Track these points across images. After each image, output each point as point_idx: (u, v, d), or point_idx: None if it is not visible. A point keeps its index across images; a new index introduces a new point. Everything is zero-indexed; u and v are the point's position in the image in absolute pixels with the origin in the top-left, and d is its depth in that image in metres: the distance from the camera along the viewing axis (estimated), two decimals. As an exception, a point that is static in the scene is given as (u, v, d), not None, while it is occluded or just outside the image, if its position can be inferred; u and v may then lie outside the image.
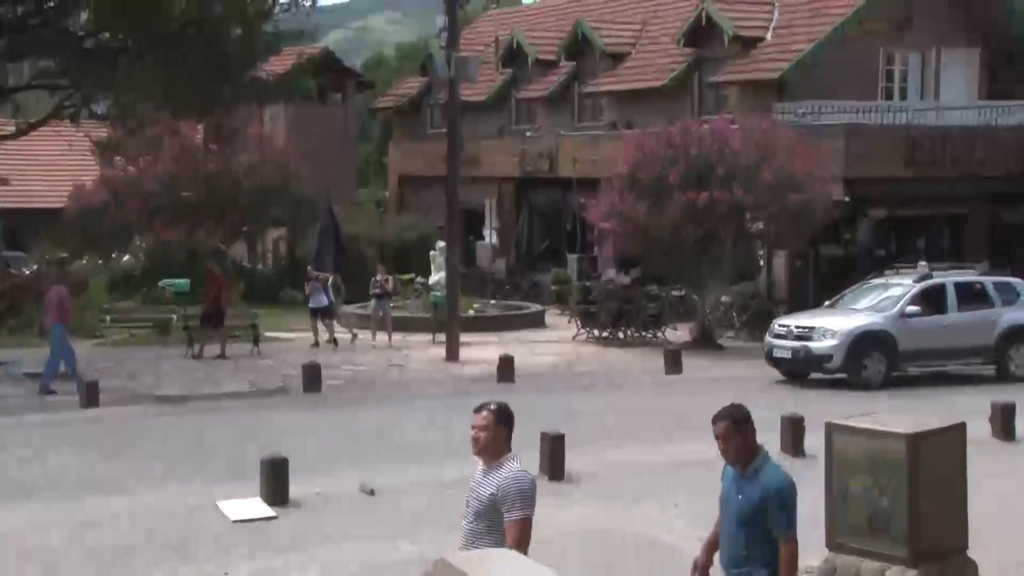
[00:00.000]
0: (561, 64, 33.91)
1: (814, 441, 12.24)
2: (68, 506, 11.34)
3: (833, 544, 7.21)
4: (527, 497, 5.71)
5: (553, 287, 30.13)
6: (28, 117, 24.54)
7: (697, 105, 29.68)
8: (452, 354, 21.58)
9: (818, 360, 18.91)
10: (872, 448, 7.00)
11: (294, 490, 11.41)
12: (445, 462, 12.35)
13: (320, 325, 23.56)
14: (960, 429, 7.30)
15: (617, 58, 32.32)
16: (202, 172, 29.52)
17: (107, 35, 20.96)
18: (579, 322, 25.20)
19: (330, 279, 24.20)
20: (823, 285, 24.01)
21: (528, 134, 33.67)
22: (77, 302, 21.17)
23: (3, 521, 10.80)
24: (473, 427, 5.84)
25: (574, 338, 24.76)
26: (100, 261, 30.91)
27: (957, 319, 19.34)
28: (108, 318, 24.67)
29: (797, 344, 19.03)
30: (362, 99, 44.06)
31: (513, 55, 35.36)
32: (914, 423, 7.17)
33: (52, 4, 21.20)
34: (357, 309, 26.33)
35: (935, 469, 6.99)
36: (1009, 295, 19.94)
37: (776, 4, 29.50)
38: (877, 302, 19.57)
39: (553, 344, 24.08)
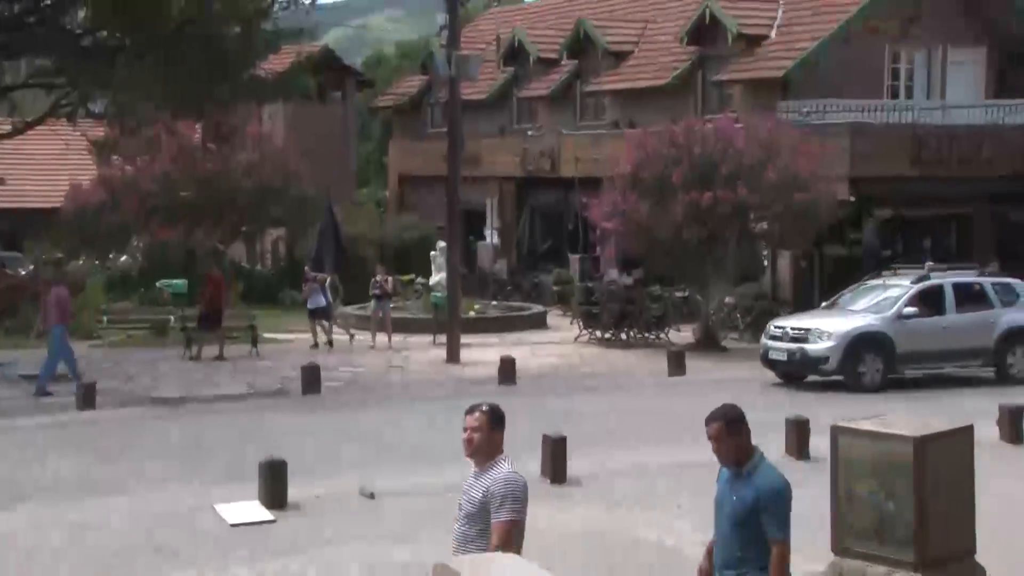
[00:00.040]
0: (563, 62, 33.90)
1: (817, 444, 12.24)
2: (65, 509, 11.33)
3: (838, 548, 7.19)
4: (517, 499, 5.70)
5: (555, 288, 30.11)
6: (24, 116, 24.53)
7: (700, 104, 29.66)
8: (453, 356, 21.57)
9: (814, 362, 18.81)
10: (878, 451, 6.97)
11: (293, 493, 11.40)
12: (445, 465, 12.32)
13: (320, 326, 23.57)
14: (967, 432, 7.28)
15: (619, 56, 32.31)
16: (200, 172, 29.51)
17: (104, 33, 20.95)
18: (581, 323, 25.18)
19: (328, 280, 24.19)
20: (828, 286, 23.98)
21: (529, 133, 33.66)
22: (74, 303, 21.14)
23: (0, 523, 10.81)
24: (466, 428, 5.84)
25: (576, 339, 24.75)
26: (97, 261, 30.89)
27: (956, 320, 19.22)
28: (105, 319, 24.65)
29: (793, 346, 18.95)
30: (362, 98, 44.05)
31: (514, 53, 35.35)
32: (921, 426, 7.15)
33: (49, 2, 21.20)
34: (357, 310, 26.32)
35: (942, 472, 6.97)
36: (1008, 296, 19.81)
37: (780, 2, 29.49)
38: (874, 303, 19.47)
39: (555, 345, 24.06)
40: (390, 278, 24.78)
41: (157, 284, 28.05)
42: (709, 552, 6.28)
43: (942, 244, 27.08)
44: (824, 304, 21.07)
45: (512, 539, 5.63)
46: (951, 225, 27.55)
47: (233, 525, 10.74)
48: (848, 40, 27.36)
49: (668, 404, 17.31)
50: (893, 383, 18.80)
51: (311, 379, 18.30)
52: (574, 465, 12.40)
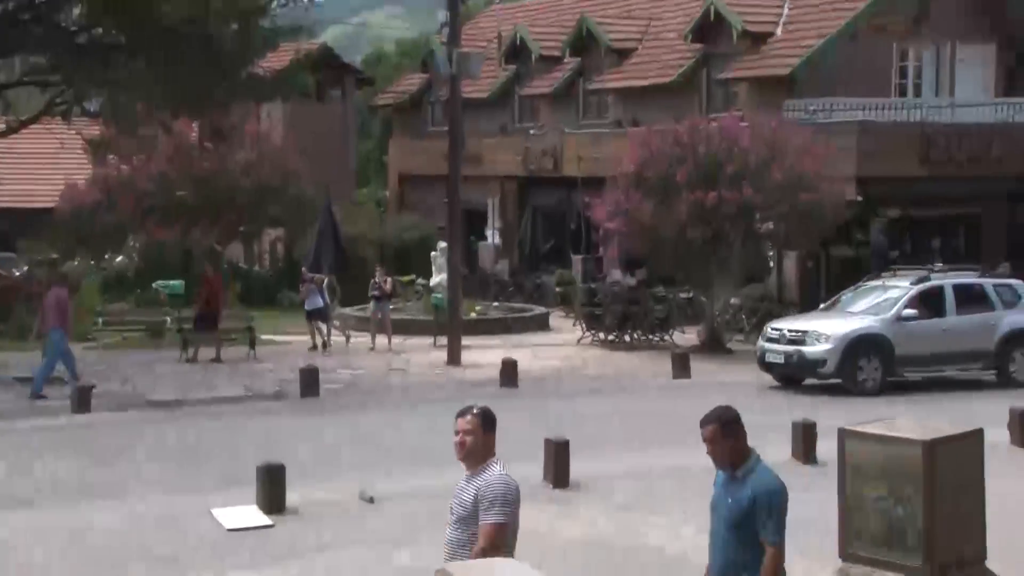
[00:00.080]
0: (565, 60, 33.89)
1: (823, 448, 12.22)
2: (60, 514, 11.31)
3: (846, 554, 7.17)
4: (507, 502, 5.70)
5: (557, 289, 30.09)
6: (19, 114, 24.57)
7: (705, 102, 29.65)
8: (454, 358, 21.55)
9: (811, 365, 18.72)
10: (887, 455, 6.96)
11: (291, 497, 11.39)
12: (446, 468, 12.22)
13: (317, 328, 23.56)
14: (977, 435, 7.26)
15: (623, 54, 32.30)
16: (198, 171, 29.51)
17: (100, 30, 20.95)
18: (584, 325, 25.16)
19: (325, 281, 24.19)
20: (835, 287, 23.93)
21: (532, 132, 33.65)
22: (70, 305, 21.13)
23: (-8, 529, 10.79)
24: (457, 432, 5.85)
25: (579, 341, 24.73)
26: (92, 262, 30.88)
27: (956, 322, 19.10)
28: (100, 320, 24.64)
29: (790, 348, 18.86)
30: (361, 96, 44.05)
31: (516, 51, 35.35)
32: (930, 429, 7.14)
33: (44, -2, 21.21)
34: (356, 311, 26.32)
35: (952, 476, 6.96)
36: (1010, 297, 19.67)
37: (786, -2, 29.50)
38: (873, 305, 19.38)
39: (557, 347, 24.05)
40: (389, 279, 24.77)
41: (153, 285, 28.03)
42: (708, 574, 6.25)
43: (951, 245, 27.06)
44: (822, 306, 21.02)
45: (499, 542, 5.63)
46: (960, 225, 27.53)
47: (230, 530, 10.72)
48: (855, 37, 27.35)
49: (672, 407, 17.28)
50: (892, 386, 18.71)
51: (310, 381, 18.29)
52: (577, 469, 12.38)
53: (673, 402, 17.77)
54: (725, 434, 5.96)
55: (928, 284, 19.27)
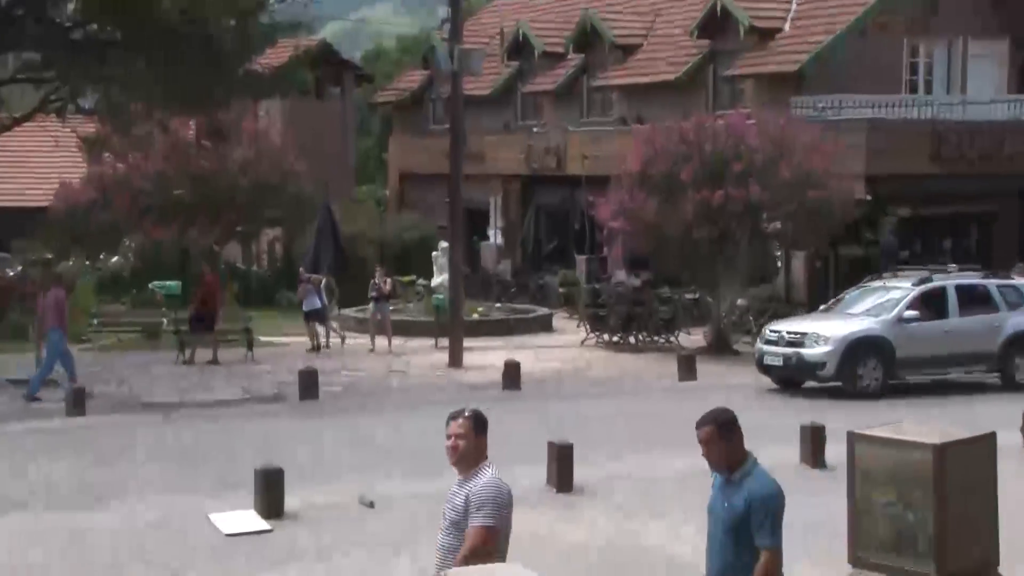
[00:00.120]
0: (569, 57, 33.89)
1: (832, 452, 12.21)
2: (55, 518, 11.32)
3: (855, 559, 7.17)
4: (498, 505, 5.71)
5: (561, 289, 30.10)
6: (12, 112, 24.54)
7: (711, 99, 29.65)
8: (455, 360, 21.56)
9: (811, 368, 18.62)
10: (897, 459, 6.95)
11: (290, 502, 11.39)
12: (447, 472, 12.21)
13: (319, 329, 23.58)
14: (990, 439, 7.25)
15: (627, 50, 32.29)
16: (195, 169, 29.52)
17: (95, 26, 20.95)
18: (588, 326, 25.17)
19: (323, 281, 24.20)
20: (844, 287, 23.92)
21: (534, 129, 33.66)
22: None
23: (-15, 534, 10.80)
24: (449, 435, 5.87)
25: (583, 343, 24.73)
26: (87, 262, 30.92)
27: (959, 324, 18.98)
28: (95, 322, 24.67)
29: (789, 351, 18.76)
30: (361, 93, 44.07)
31: (519, 47, 35.35)
32: (940, 433, 7.13)
33: (38, -6, 21.21)
34: (356, 312, 26.33)
35: (963, 481, 6.95)
36: (1014, 298, 19.54)
37: (794, -7, 29.49)
38: (874, 306, 19.30)
39: (561, 349, 24.05)
40: (388, 279, 24.77)
41: (150, 285, 28.07)
42: None
43: (963, 244, 27.04)
44: (822, 307, 20.98)
45: (485, 545, 5.62)
46: (972, 224, 27.52)
47: (228, 535, 10.73)
48: (865, 33, 27.33)
49: (678, 410, 17.23)
50: (893, 389, 18.65)
51: (309, 384, 18.30)
52: (581, 473, 12.38)
53: (678, 404, 17.74)
54: (721, 436, 5.96)
55: (930, 285, 19.18)
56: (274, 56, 23.96)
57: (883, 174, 24.50)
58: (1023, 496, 11.08)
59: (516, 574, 4.29)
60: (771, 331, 19.42)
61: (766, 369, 19.30)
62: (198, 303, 22.23)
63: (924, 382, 19.18)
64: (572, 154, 30.42)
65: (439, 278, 25.77)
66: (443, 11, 23.49)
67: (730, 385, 19.09)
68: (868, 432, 7.21)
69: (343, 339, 24.10)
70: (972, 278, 19.99)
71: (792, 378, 19.12)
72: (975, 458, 7.12)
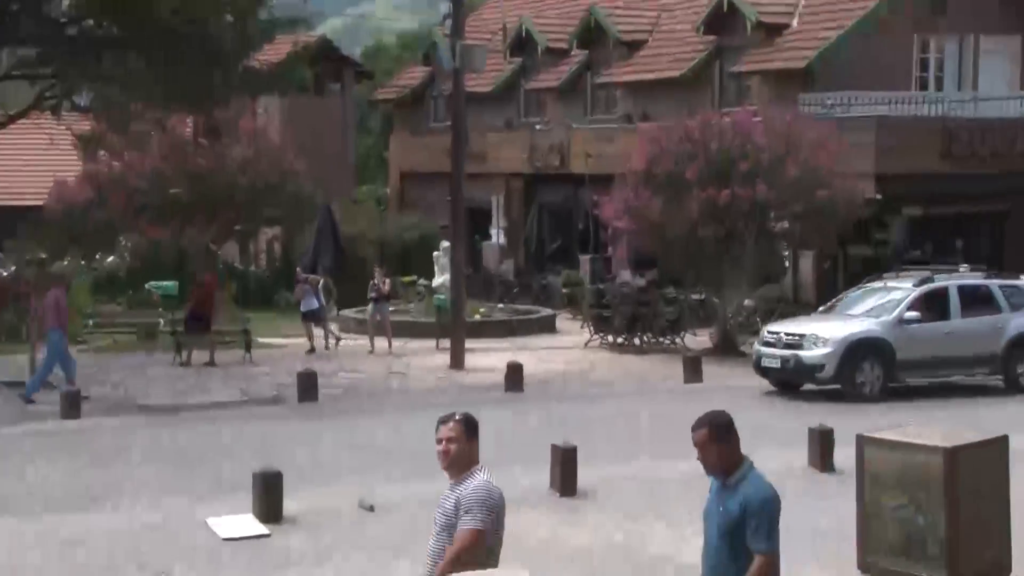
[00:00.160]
0: (573, 53, 33.88)
1: (841, 455, 12.19)
2: (49, 522, 11.32)
3: (865, 564, 7.16)
4: (489, 508, 5.72)
5: (564, 290, 30.09)
6: (7, 109, 24.54)
7: (718, 96, 29.63)
8: (457, 361, 21.56)
9: (809, 370, 18.48)
10: (907, 462, 6.95)
11: (288, 506, 11.39)
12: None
13: (318, 330, 23.59)
14: (1002, 442, 7.25)
15: (632, 47, 32.28)
16: (192, 167, 29.50)
17: (91, 22, 20.96)
18: (592, 327, 25.16)
19: (321, 281, 24.18)
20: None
21: (537, 127, 33.65)
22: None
23: (-21, 538, 10.80)
24: (440, 440, 5.89)
25: (587, 344, 24.72)
26: (83, 262, 30.92)
27: (960, 325, 18.85)
28: (91, 322, 24.67)
29: (787, 352, 18.64)
30: (361, 90, 44.07)
31: (522, 43, 35.34)
32: (951, 436, 7.13)
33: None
34: (356, 313, 26.32)
35: (975, 484, 6.94)
36: (1018, 300, 19.41)
37: (802, -12, 29.47)
38: (874, 307, 19.19)
39: (564, 351, 24.04)
40: (388, 280, 24.76)
41: (146, 286, 28.04)
42: None
43: (975, 244, 26.99)
44: (821, 308, 20.93)
45: (473, 547, 5.63)
46: (984, 223, 27.47)
47: (226, 540, 10.72)
48: (874, 29, 27.30)
49: (683, 412, 17.21)
50: (894, 392, 18.55)
51: (308, 386, 18.29)
52: (585, 477, 12.37)
53: (683, 406, 17.69)
54: (716, 439, 5.95)
55: (931, 285, 19.08)
56: (273, 52, 23.94)
57: (893, 172, 24.46)
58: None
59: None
60: (769, 332, 19.34)
61: (764, 371, 19.17)
62: (195, 303, 22.22)
63: (924, 385, 19.12)
64: (576, 152, 30.41)
65: (440, 278, 25.76)
66: (445, 6, 23.48)
67: (736, 387, 19.05)
68: (878, 435, 7.20)
69: (337, 340, 24.07)
70: (974, 278, 19.92)
71: (790, 380, 19.03)
72: (987, 461, 7.12)
